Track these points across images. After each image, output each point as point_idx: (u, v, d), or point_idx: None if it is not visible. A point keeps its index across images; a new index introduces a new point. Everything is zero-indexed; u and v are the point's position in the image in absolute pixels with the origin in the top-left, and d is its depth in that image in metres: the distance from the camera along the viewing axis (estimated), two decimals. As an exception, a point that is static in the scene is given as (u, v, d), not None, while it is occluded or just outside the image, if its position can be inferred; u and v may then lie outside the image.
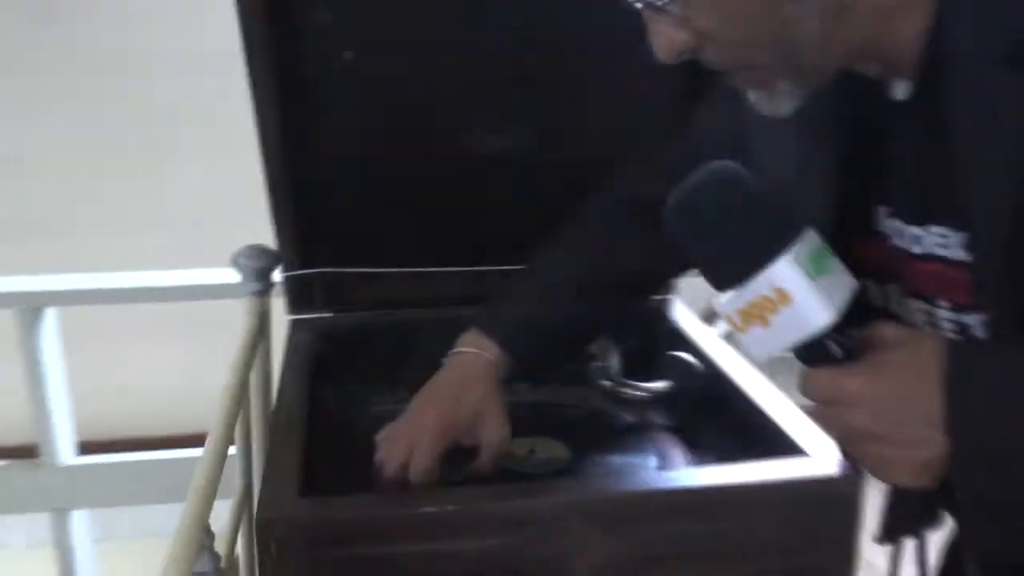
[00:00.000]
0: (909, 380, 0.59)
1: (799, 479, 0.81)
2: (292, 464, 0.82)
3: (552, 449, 0.97)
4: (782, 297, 0.60)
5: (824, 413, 0.63)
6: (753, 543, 0.80)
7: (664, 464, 0.94)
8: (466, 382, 0.87)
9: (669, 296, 1.23)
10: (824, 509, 0.80)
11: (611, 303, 0.98)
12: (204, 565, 0.68)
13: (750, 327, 0.62)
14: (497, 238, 1.16)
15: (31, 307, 1.69)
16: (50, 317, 1.77)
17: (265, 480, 0.80)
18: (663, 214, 0.65)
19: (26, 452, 1.78)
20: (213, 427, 0.79)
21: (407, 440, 0.82)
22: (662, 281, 1.14)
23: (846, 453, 0.66)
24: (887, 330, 0.62)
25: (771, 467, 0.82)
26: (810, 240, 0.62)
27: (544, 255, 0.98)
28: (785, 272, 0.59)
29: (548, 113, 1.14)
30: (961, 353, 0.59)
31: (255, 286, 1.05)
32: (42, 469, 1.78)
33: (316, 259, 1.17)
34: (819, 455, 0.83)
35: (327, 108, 1.09)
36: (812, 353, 0.62)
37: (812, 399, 0.63)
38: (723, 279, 0.63)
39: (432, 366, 0.92)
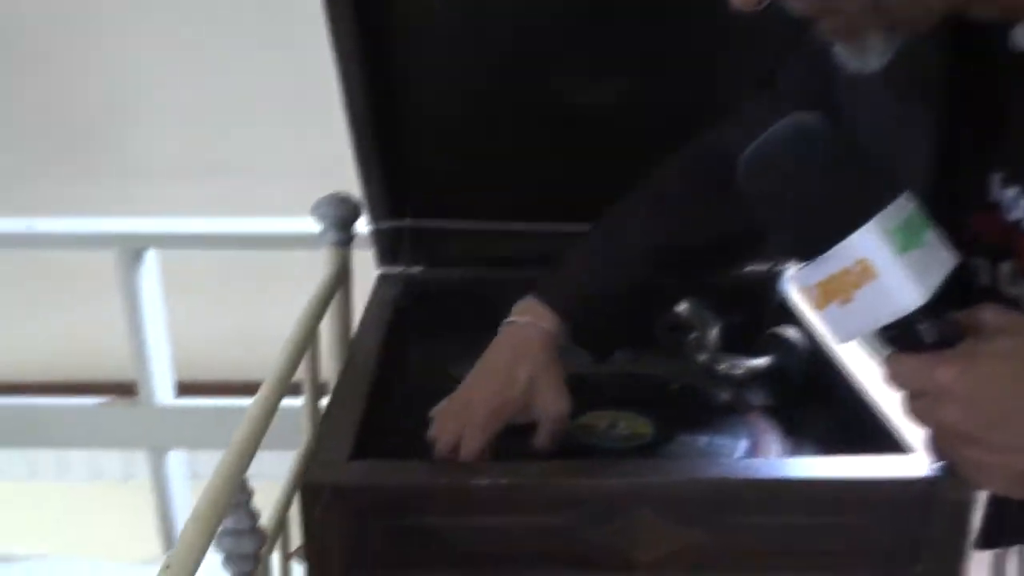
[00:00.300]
0: (1010, 375, 0.51)
1: (903, 479, 0.71)
2: (350, 423, 0.78)
3: (635, 424, 0.90)
4: (865, 271, 0.52)
5: (911, 406, 0.55)
6: (845, 547, 0.72)
7: (754, 450, 0.86)
8: (519, 355, 0.80)
9: (779, 267, 1.13)
10: (930, 515, 0.71)
11: (688, 270, 0.88)
12: (239, 522, 0.65)
13: (829, 304, 0.54)
14: (599, 195, 1.09)
15: (131, 248, 1.72)
16: (151, 259, 1.79)
17: (318, 439, 0.76)
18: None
19: (125, 390, 1.84)
20: (267, 379, 0.76)
21: (457, 420, 0.77)
22: (752, 248, 1.03)
23: (936, 451, 0.57)
24: (990, 314, 0.54)
25: (873, 463, 0.73)
26: (903, 207, 0.54)
27: (613, 215, 0.89)
28: (869, 243, 0.52)
29: (651, 62, 1.06)
30: None
31: (334, 236, 1.01)
32: (140, 408, 1.82)
33: (405, 211, 1.12)
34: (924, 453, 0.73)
35: (417, 54, 1.04)
36: (900, 336, 0.54)
37: (899, 388, 0.55)
38: (800, 247, 0.55)
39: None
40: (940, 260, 0.54)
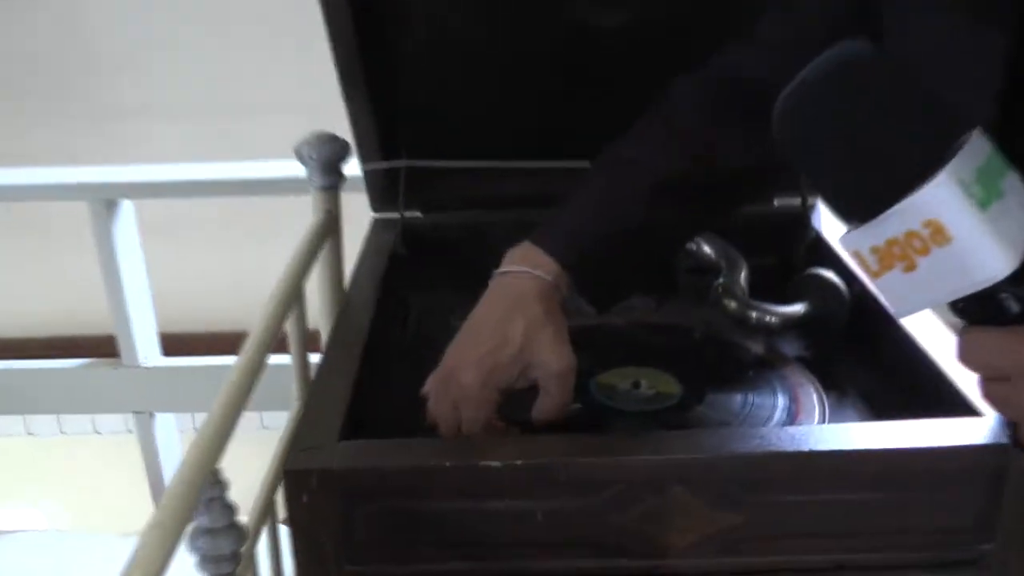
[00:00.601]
0: None
1: (968, 447, 0.62)
2: (341, 394, 0.69)
3: (661, 383, 0.81)
4: (937, 233, 0.43)
5: (990, 388, 0.47)
6: (904, 524, 0.63)
7: (795, 410, 0.77)
8: (511, 309, 0.69)
9: (813, 199, 1.03)
10: (1004, 487, 0.62)
11: (704, 208, 0.77)
12: (213, 520, 0.56)
13: (889, 271, 0.44)
14: (603, 129, 0.99)
15: (104, 199, 1.59)
16: (127, 210, 1.68)
17: (304, 414, 0.67)
18: (772, 102, 0.47)
19: (109, 347, 1.75)
20: (247, 343, 0.67)
21: (447, 396, 0.67)
22: (770, 182, 0.91)
23: (1016, 440, 0.48)
24: None
25: (932, 427, 0.63)
26: (978, 150, 0.44)
27: (617, 148, 0.77)
28: (941, 198, 0.42)
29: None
30: None
31: (320, 179, 0.91)
32: (123, 371, 1.71)
33: (399, 151, 1.02)
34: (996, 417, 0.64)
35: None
36: (977, 308, 0.45)
37: (975, 368, 0.47)
38: (852, 204, 0.46)
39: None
40: None
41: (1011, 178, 0.45)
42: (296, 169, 0.99)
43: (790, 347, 0.87)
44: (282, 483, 0.61)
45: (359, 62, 0.94)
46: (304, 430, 0.65)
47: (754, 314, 0.89)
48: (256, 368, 0.67)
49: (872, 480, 0.62)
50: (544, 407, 0.68)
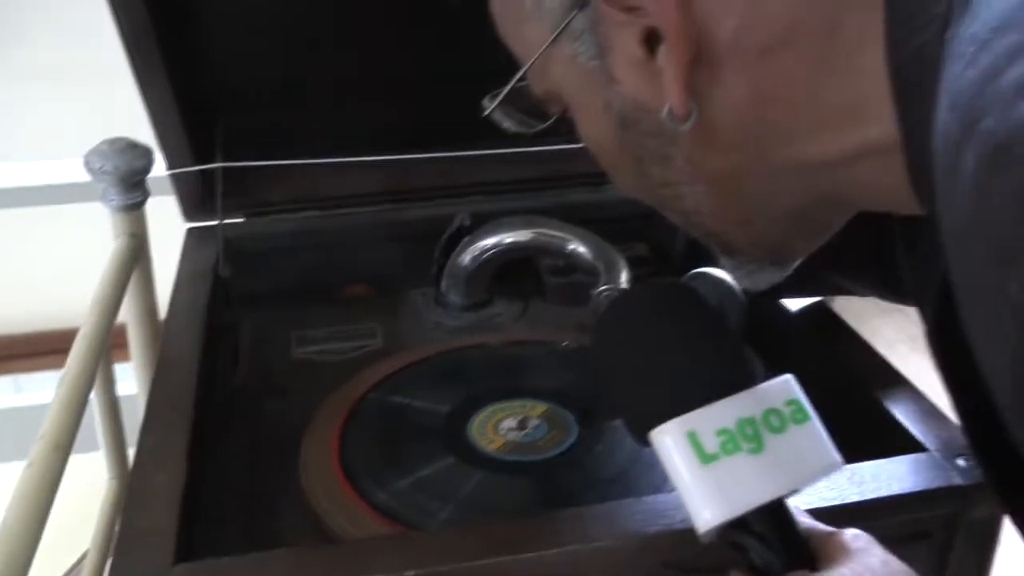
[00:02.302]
0: None
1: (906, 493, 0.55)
2: (167, 495, 0.54)
3: (551, 418, 0.70)
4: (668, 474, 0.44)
5: None
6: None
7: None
8: None
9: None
10: (949, 530, 0.56)
11: None
12: None
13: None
14: (447, 117, 0.87)
15: None
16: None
17: (123, 530, 0.52)
18: None
19: None
20: (45, 431, 0.50)
21: None
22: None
23: None
24: (843, 538, 0.44)
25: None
26: (760, 400, 0.45)
27: None
28: (666, 445, 0.44)
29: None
30: None
31: (120, 198, 0.74)
32: None
33: (213, 151, 0.85)
34: (941, 448, 0.57)
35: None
36: (734, 549, 0.45)
37: None
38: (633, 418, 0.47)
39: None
40: (776, 475, 0.44)
41: (796, 430, 0.45)
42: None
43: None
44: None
45: (156, 44, 0.77)
46: (126, 559, 0.50)
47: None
48: (70, 438, 0.51)
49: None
50: None
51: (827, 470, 0.46)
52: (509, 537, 0.50)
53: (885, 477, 0.54)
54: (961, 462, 0.56)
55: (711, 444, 0.43)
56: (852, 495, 0.53)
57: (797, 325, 0.79)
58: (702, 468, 0.43)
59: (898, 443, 0.59)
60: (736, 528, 0.44)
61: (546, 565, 0.49)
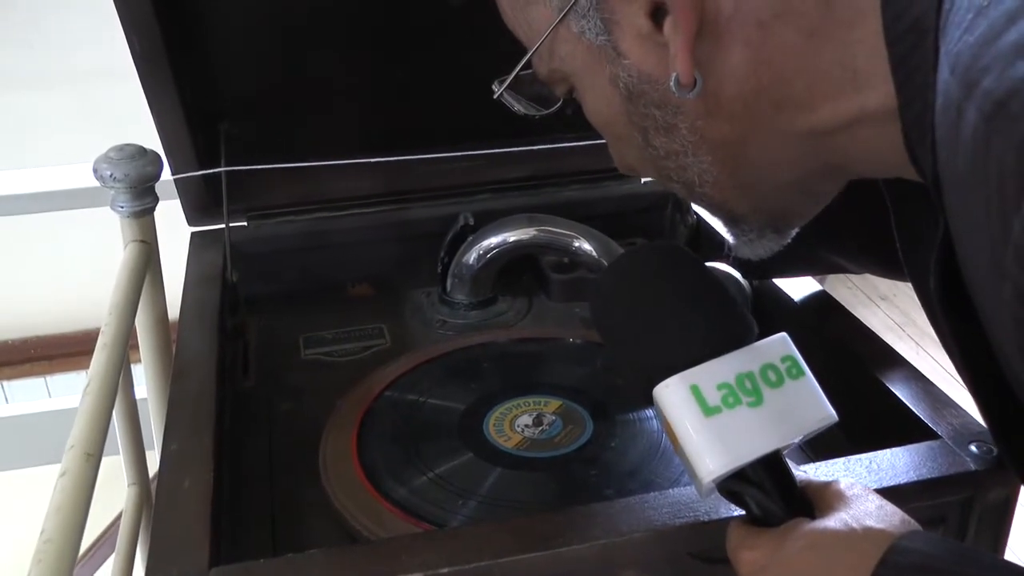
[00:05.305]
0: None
1: (922, 480, 0.56)
2: (197, 498, 0.55)
3: (565, 414, 0.71)
4: (670, 429, 0.46)
5: None
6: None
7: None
8: None
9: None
10: (963, 515, 0.57)
11: None
12: None
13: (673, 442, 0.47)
14: (444, 119, 0.89)
15: None
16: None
17: (155, 536, 0.52)
18: None
19: None
20: (74, 437, 0.51)
21: None
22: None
23: None
24: (839, 486, 0.47)
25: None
26: (756, 356, 0.47)
27: None
28: (668, 399, 0.46)
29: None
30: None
31: (130, 204, 0.74)
32: None
33: (217, 154, 0.85)
34: (953, 435, 0.59)
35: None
36: (735, 500, 0.48)
37: (731, 560, 0.48)
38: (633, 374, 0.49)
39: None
40: (772, 426, 0.46)
41: (792, 385, 0.47)
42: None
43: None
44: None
45: (163, 52, 0.77)
46: (162, 565, 0.50)
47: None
48: (91, 472, 0.51)
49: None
50: None
51: (822, 423, 0.48)
52: (541, 532, 0.51)
53: (902, 465, 0.56)
54: (974, 448, 0.57)
55: (713, 397, 0.45)
56: (871, 483, 0.54)
57: (800, 314, 0.80)
58: (705, 420, 0.45)
59: (910, 430, 0.61)
60: (736, 479, 0.46)
61: (580, 560, 0.50)
